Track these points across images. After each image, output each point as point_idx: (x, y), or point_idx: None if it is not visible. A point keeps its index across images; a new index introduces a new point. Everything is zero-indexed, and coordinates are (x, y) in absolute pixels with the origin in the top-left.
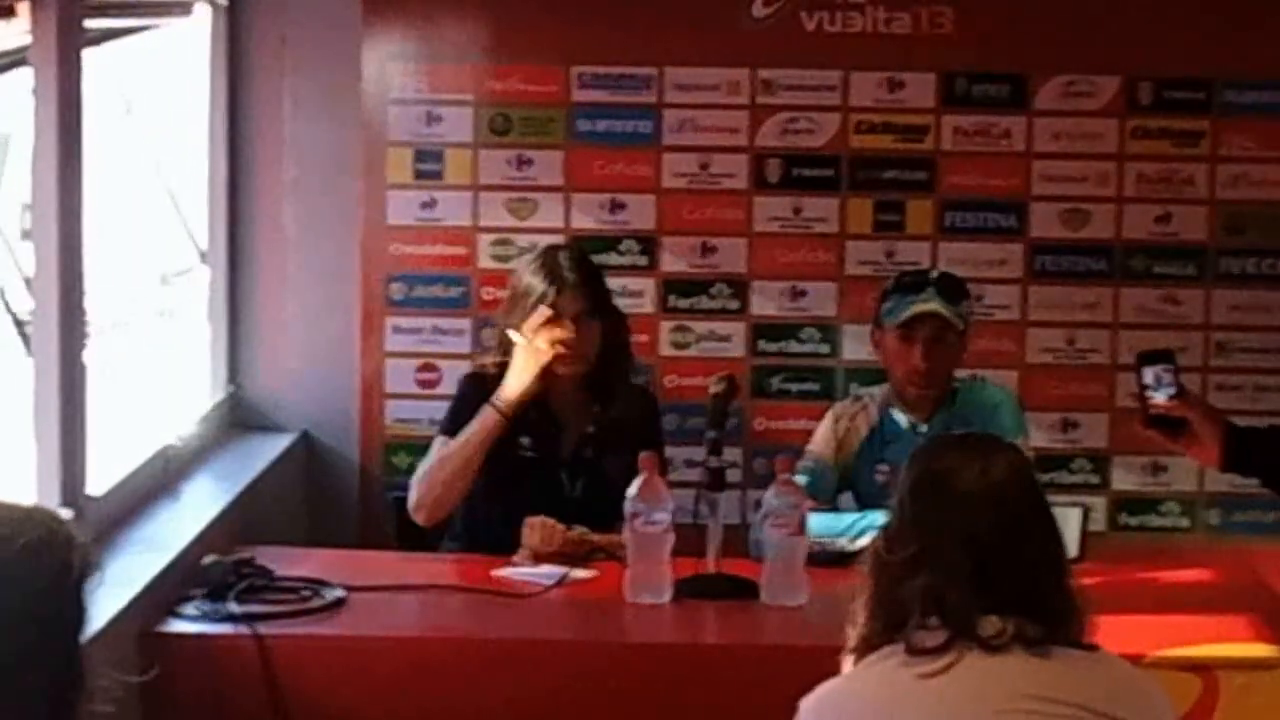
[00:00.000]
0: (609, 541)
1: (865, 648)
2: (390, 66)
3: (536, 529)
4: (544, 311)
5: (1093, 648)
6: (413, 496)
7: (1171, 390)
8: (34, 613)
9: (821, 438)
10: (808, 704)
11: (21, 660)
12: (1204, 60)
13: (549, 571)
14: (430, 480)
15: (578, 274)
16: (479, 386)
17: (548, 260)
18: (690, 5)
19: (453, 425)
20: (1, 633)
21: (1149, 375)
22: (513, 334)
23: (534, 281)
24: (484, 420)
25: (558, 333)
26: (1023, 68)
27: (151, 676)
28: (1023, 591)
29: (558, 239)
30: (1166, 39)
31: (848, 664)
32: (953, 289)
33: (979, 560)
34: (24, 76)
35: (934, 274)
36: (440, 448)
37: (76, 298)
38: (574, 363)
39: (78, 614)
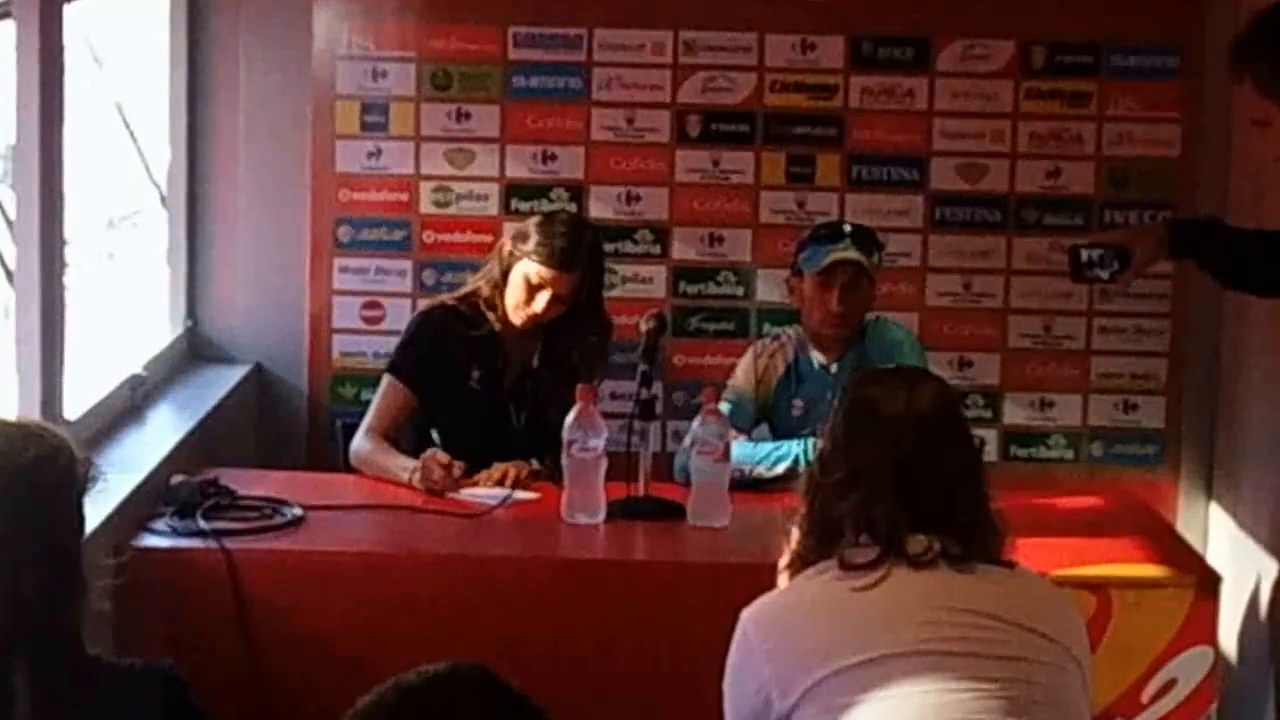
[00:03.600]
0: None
1: (801, 564)
2: (339, 25)
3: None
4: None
5: (1011, 564)
6: (351, 453)
7: (1113, 268)
8: (40, 519)
9: (743, 373)
10: (748, 614)
11: (28, 561)
12: (1092, 26)
13: (494, 493)
14: (362, 464)
15: (584, 268)
16: (431, 324)
17: (578, 238)
18: None
19: (402, 363)
20: (10, 536)
21: (1085, 255)
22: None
23: (553, 243)
24: (401, 475)
25: None
26: (925, 32)
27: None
28: (947, 511)
29: (494, 186)
30: (1058, 6)
31: (783, 579)
32: (867, 239)
33: (906, 482)
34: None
35: (848, 226)
36: (383, 391)
37: (56, 239)
38: (523, 321)
39: (78, 520)
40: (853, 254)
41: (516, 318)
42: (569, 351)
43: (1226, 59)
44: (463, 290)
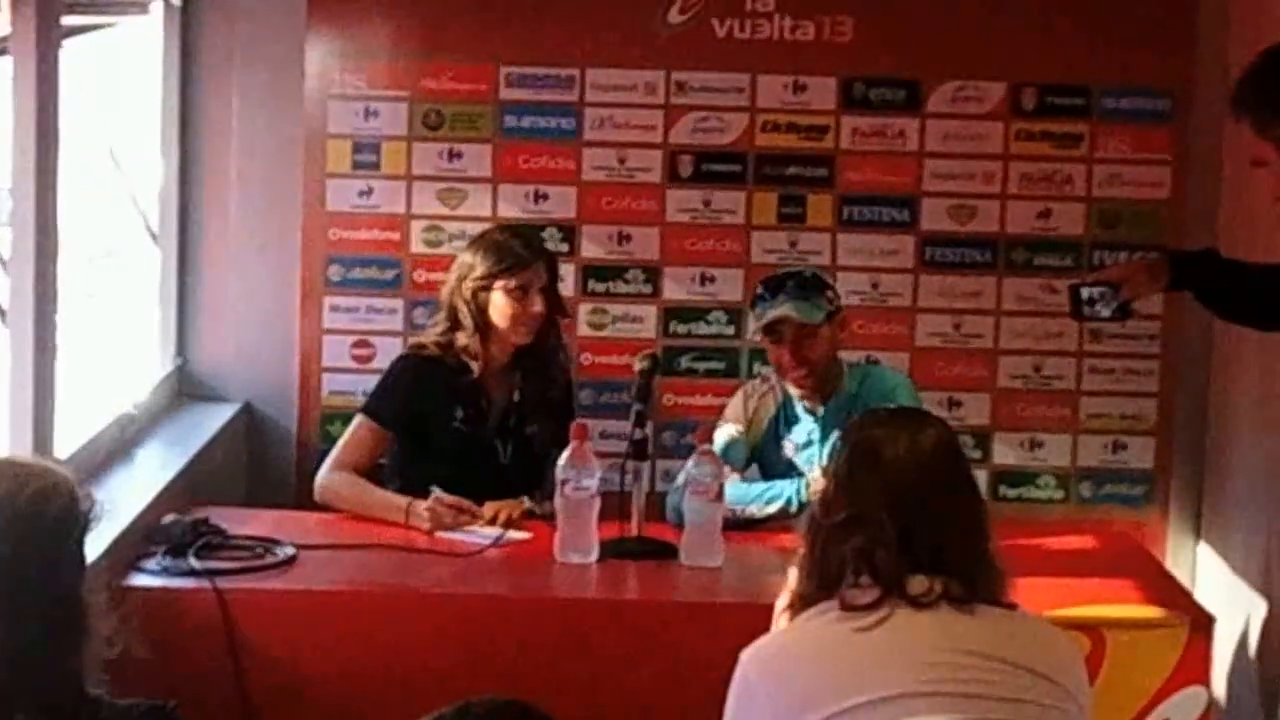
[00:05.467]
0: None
1: (801, 604)
2: (331, 64)
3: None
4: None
5: (1012, 606)
6: (321, 486)
7: (1114, 304)
8: (42, 557)
9: (734, 413)
10: (749, 655)
11: (30, 601)
12: (1083, 69)
13: (487, 532)
14: (336, 498)
15: (546, 253)
16: (412, 370)
17: (524, 233)
18: (610, 11)
19: (378, 406)
20: (12, 576)
21: (1086, 293)
22: (416, 510)
23: (514, 246)
24: (392, 513)
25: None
26: (916, 74)
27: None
28: (948, 553)
29: (486, 226)
30: (1049, 49)
31: (783, 620)
32: (806, 287)
33: (907, 523)
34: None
35: (788, 278)
36: (356, 430)
37: (50, 278)
38: (528, 333)
39: (79, 561)
40: (786, 309)
41: (519, 335)
42: (542, 383)
43: (1228, 100)
44: (437, 337)
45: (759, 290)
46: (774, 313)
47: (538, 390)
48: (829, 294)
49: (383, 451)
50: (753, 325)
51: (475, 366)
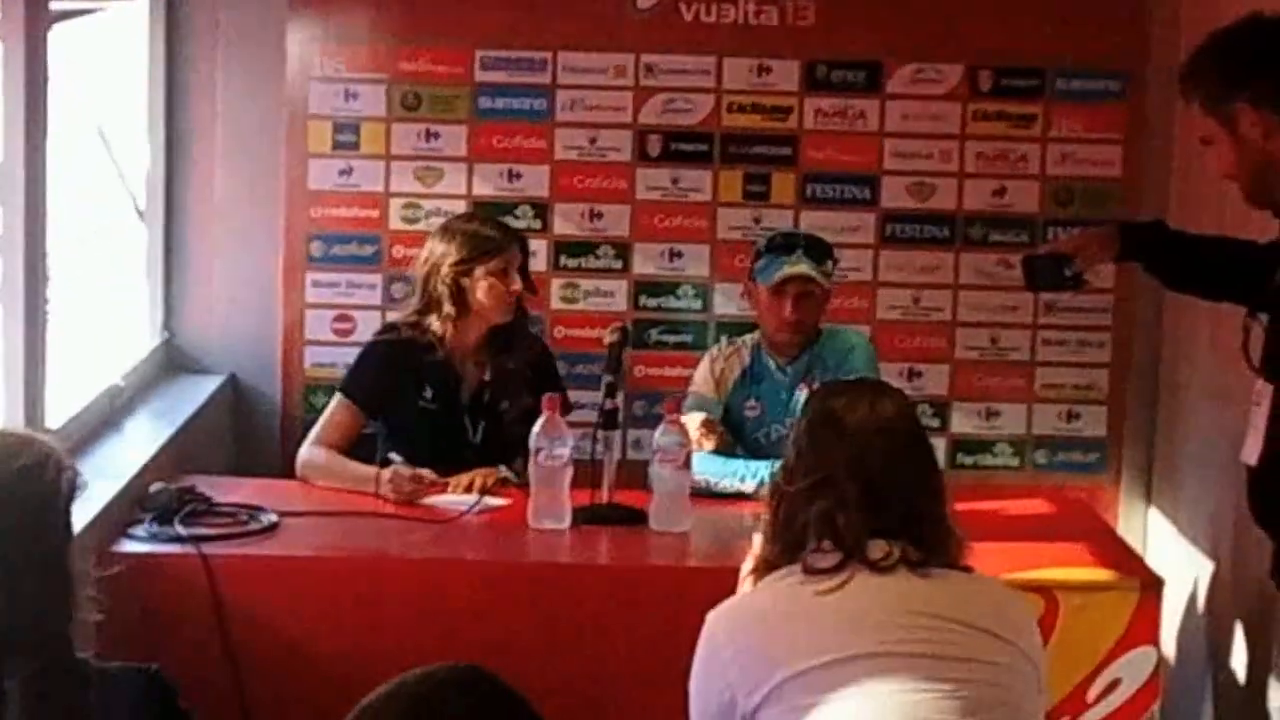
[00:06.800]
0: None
1: (765, 568)
2: (312, 47)
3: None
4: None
5: (968, 569)
6: (303, 462)
7: (1067, 274)
8: (29, 527)
9: (701, 377)
10: (715, 616)
11: (21, 569)
12: (1038, 51)
13: (465, 499)
14: (317, 473)
15: (518, 234)
16: (383, 351)
17: (497, 221)
18: None
19: (354, 385)
20: (3, 544)
21: (1039, 264)
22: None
23: (488, 231)
24: (364, 484)
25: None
26: (877, 56)
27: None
28: (907, 518)
29: (462, 204)
30: (1005, 32)
31: (748, 584)
32: (819, 250)
33: (868, 490)
34: None
35: (802, 237)
36: (335, 409)
37: (40, 256)
38: (510, 311)
39: (66, 529)
40: (804, 268)
41: (501, 314)
42: (516, 358)
43: (1178, 80)
44: (409, 318)
45: (765, 245)
46: (792, 270)
47: (506, 365)
48: (832, 262)
49: (362, 427)
50: (763, 277)
51: (442, 348)
